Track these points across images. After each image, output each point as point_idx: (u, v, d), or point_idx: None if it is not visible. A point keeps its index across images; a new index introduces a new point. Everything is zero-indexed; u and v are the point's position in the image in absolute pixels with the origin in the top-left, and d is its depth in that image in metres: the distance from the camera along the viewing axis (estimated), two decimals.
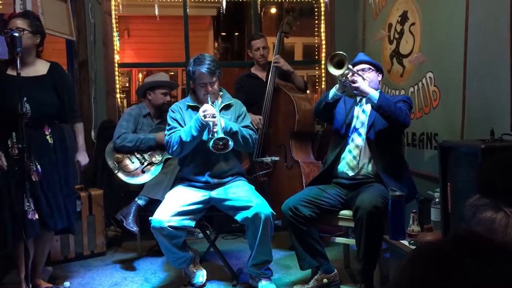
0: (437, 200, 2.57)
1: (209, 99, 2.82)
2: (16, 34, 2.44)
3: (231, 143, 2.64)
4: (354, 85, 2.64)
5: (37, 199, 2.62)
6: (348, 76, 2.65)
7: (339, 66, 2.64)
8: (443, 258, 0.97)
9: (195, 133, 2.74)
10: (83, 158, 2.95)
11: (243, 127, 2.89)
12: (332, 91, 2.78)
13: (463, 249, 0.95)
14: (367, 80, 2.78)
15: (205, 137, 2.77)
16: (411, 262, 1.05)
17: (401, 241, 2.55)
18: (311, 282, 2.79)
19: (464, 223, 1.04)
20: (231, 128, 2.77)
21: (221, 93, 3.01)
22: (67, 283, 2.99)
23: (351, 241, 2.92)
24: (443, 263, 0.96)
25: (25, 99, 2.56)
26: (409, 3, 3.44)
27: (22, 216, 2.40)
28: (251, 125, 2.99)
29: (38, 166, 2.65)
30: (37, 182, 2.64)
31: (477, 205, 1.00)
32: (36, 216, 2.60)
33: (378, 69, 2.94)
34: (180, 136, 2.79)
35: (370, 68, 2.88)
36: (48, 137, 2.74)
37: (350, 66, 2.71)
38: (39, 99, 2.66)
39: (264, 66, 3.90)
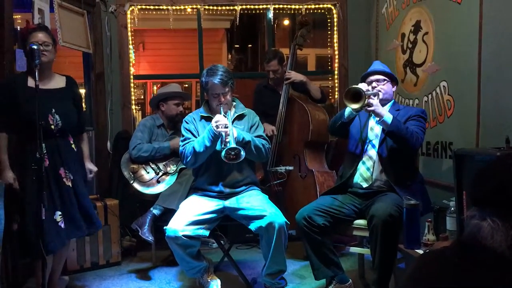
0: (452, 209, 2.55)
1: (222, 109, 2.84)
2: (35, 47, 2.49)
3: (243, 153, 2.66)
4: (369, 108, 2.63)
5: (71, 205, 2.72)
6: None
7: (355, 98, 2.63)
8: (445, 265, 1.02)
9: (208, 144, 2.77)
10: (92, 166, 3.06)
11: (256, 136, 2.90)
12: (348, 110, 2.77)
13: (464, 255, 1.00)
14: (381, 92, 2.79)
15: (218, 147, 2.79)
16: (417, 269, 1.09)
17: (416, 250, 2.52)
18: None
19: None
20: (243, 138, 2.79)
21: (234, 103, 3.04)
22: None
23: (366, 251, 2.90)
24: (445, 269, 1.00)
25: (53, 110, 2.66)
26: (422, 13, 3.45)
27: (41, 226, 2.43)
28: (264, 135, 3.01)
29: (70, 174, 2.75)
30: (70, 187, 2.73)
31: (470, 215, 1.07)
32: (63, 225, 2.67)
33: (393, 80, 2.93)
34: (193, 147, 2.82)
35: (385, 80, 2.87)
36: (73, 146, 2.85)
37: (369, 89, 2.72)
38: (64, 110, 2.75)
39: (280, 83, 3.88)
